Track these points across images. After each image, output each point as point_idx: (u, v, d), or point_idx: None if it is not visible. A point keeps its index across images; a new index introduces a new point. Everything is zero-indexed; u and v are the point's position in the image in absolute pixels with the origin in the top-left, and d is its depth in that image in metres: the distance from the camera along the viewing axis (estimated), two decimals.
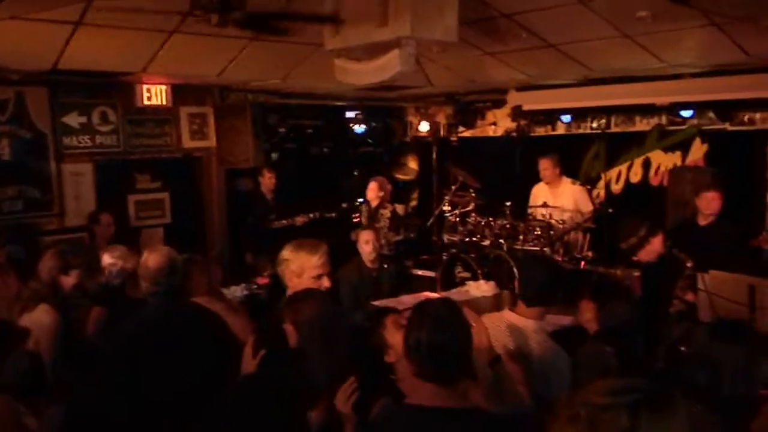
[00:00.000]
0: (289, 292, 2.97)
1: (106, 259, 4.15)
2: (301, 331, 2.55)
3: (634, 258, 4.24)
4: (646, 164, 6.95)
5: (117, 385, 2.86)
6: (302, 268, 2.91)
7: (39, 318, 3.71)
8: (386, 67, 4.29)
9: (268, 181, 7.16)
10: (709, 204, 4.95)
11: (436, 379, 1.94)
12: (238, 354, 2.57)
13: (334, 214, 7.26)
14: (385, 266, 5.49)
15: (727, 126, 6.34)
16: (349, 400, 2.16)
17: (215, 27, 3.81)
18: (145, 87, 6.49)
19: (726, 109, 6.19)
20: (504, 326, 2.74)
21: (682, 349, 3.47)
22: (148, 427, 2.70)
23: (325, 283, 2.97)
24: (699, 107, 6.29)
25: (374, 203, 6.75)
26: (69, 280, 4.07)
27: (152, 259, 3.04)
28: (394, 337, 2.33)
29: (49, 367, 3.62)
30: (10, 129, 5.92)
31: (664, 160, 6.80)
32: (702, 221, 5.02)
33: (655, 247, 4.17)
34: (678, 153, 6.69)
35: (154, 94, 6.61)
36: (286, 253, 3.00)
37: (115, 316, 3.78)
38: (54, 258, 4.12)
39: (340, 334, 2.55)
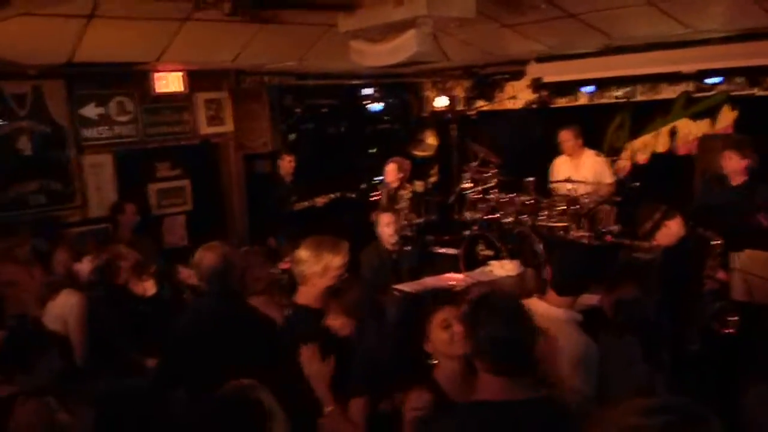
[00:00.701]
0: (305, 289, 2.91)
1: (84, 267, 4.12)
2: (355, 316, 2.62)
3: (654, 242, 4.13)
4: (673, 133, 6.76)
5: (158, 387, 2.85)
6: (326, 268, 2.87)
7: (66, 300, 3.75)
8: (403, 48, 4.20)
9: (287, 164, 7.11)
10: (726, 163, 4.91)
11: (509, 373, 1.94)
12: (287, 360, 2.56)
13: (354, 195, 7.22)
14: (407, 248, 5.46)
15: (756, 91, 6.13)
16: (413, 412, 2.18)
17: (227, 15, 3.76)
18: (160, 75, 6.46)
19: (755, 74, 5.97)
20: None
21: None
22: None
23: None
24: (727, 73, 6.08)
25: (394, 185, 6.67)
26: (84, 267, 4.11)
27: (207, 257, 2.95)
28: (437, 334, 2.33)
29: (80, 352, 3.67)
30: (29, 124, 5.94)
31: (692, 129, 6.60)
32: (733, 182, 4.94)
33: (672, 230, 4.05)
34: (706, 120, 6.47)
35: (170, 82, 6.59)
36: (305, 254, 2.91)
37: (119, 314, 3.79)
38: (64, 250, 4.23)
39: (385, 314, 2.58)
